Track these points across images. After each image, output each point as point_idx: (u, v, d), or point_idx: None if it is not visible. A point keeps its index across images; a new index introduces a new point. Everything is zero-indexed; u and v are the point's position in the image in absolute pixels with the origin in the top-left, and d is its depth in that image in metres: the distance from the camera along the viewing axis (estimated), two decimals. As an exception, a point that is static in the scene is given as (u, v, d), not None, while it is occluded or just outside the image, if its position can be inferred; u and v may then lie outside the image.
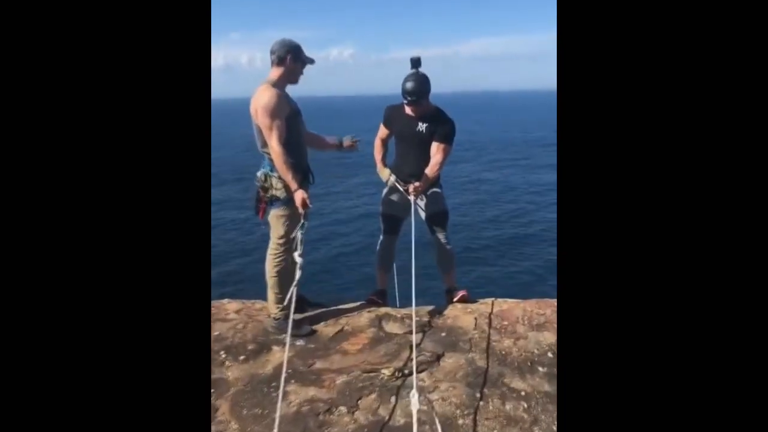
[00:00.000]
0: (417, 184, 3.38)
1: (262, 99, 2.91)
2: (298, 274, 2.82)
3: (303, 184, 3.00)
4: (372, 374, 2.72)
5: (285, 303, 2.97)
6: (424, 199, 3.52)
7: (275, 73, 3.00)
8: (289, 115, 2.99)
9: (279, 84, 3.01)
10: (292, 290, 2.77)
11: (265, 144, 2.98)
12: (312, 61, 3.11)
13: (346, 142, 3.45)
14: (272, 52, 3.00)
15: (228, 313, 3.49)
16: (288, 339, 2.58)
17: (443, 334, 3.12)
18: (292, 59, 3.02)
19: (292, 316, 2.64)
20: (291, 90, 3.11)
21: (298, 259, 2.83)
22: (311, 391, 2.60)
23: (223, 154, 29.07)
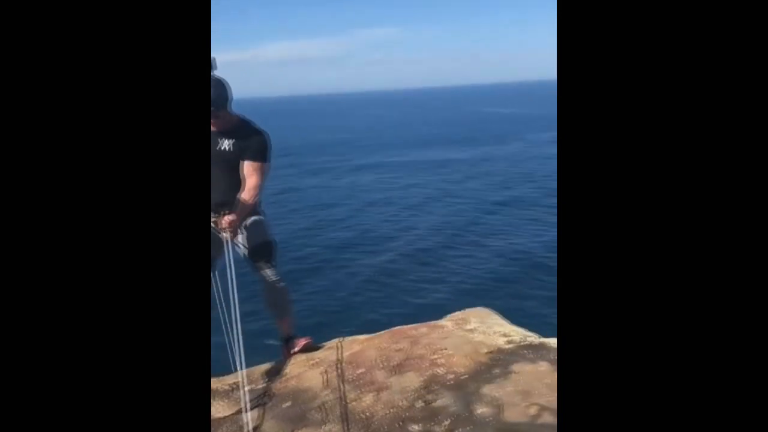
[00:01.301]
0: (231, 217, 2.63)
1: None
2: None
3: None
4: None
5: None
6: (244, 231, 2.79)
7: None
8: None
9: None
10: None
11: None
12: None
13: None
14: None
15: None
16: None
17: (287, 405, 2.43)
18: None
19: None
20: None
21: None
22: None
23: None
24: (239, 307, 2.55)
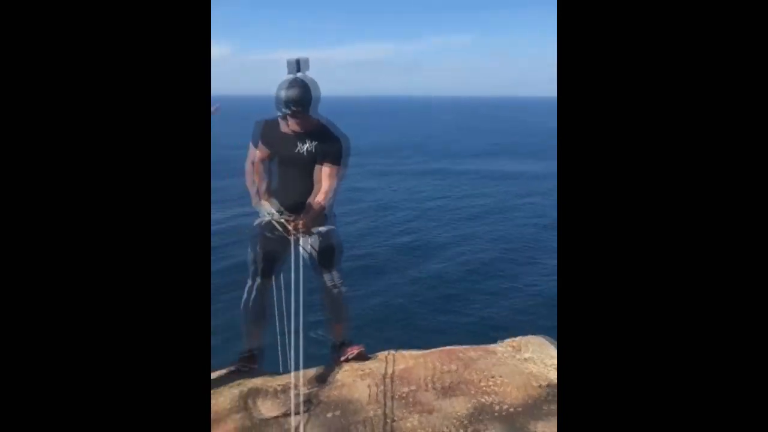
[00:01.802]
0: (307, 221, 2.66)
1: None
2: None
3: None
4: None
5: None
6: (316, 236, 2.82)
7: None
8: None
9: None
10: None
11: None
12: None
13: None
14: None
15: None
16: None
17: (334, 413, 2.45)
18: None
19: None
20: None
21: None
22: None
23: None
24: (302, 312, 2.58)
